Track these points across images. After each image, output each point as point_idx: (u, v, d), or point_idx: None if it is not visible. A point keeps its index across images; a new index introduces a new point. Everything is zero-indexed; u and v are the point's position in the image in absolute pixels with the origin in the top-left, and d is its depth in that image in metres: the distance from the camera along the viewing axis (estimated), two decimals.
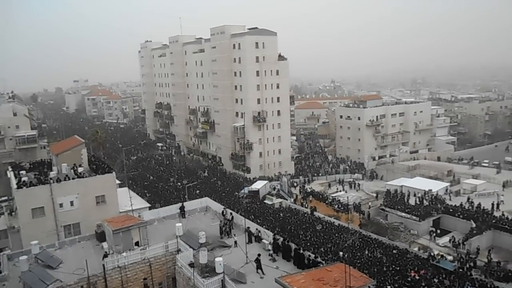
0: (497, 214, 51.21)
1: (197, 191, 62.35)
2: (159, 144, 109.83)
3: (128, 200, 41.91)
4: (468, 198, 58.06)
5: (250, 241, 32.06)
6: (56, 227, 37.23)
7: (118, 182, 47.41)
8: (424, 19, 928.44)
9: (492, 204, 54.58)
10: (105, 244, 31.50)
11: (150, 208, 44.88)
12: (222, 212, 38.45)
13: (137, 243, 31.05)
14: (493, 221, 48.58)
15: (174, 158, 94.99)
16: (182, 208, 39.50)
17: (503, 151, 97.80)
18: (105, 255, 28.98)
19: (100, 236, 33.03)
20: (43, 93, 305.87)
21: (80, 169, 42.23)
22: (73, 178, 39.30)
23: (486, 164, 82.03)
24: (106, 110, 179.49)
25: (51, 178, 38.55)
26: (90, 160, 46.69)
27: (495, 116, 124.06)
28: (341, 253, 38.70)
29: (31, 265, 28.27)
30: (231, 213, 36.00)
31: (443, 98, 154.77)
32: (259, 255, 28.12)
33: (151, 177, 74.61)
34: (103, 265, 27.68)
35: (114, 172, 42.15)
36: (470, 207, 53.83)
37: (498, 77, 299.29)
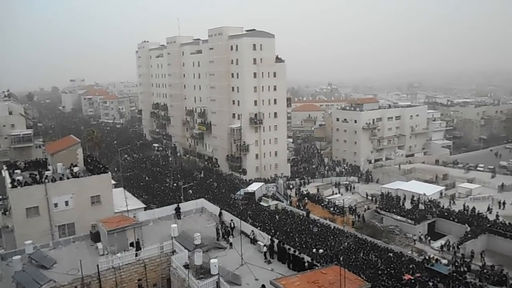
0: (491, 218, 51.38)
1: (190, 191, 62.20)
2: (155, 145, 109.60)
3: (123, 201, 41.83)
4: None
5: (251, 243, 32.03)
6: (50, 227, 37.01)
7: (113, 182, 47.24)
8: (421, 24, 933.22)
9: (488, 208, 54.93)
10: (99, 245, 31.37)
11: (145, 209, 44.78)
12: (219, 214, 38.42)
13: (132, 244, 30.94)
14: (488, 225, 48.77)
15: (170, 159, 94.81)
16: (177, 209, 39.43)
17: (501, 155, 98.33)
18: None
19: (95, 237, 32.89)
20: (39, 92, 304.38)
21: (75, 169, 42.05)
22: (68, 178, 39.13)
23: (481, 168, 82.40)
24: (103, 110, 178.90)
25: (46, 178, 38.36)
26: (86, 160, 46.52)
27: (491, 120, 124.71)
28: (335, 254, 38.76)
29: (24, 265, 28.09)
30: (232, 220, 35.58)
31: (439, 102, 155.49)
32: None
33: (147, 178, 74.39)
34: (97, 265, 27.55)
35: (109, 172, 42.01)
36: (465, 211, 54.03)
37: (494, 82, 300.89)
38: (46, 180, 37.77)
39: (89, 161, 46.49)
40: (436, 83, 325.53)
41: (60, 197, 37.45)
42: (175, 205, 40.75)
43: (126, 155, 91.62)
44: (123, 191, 47.49)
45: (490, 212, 54.06)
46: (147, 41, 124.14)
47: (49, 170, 42.46)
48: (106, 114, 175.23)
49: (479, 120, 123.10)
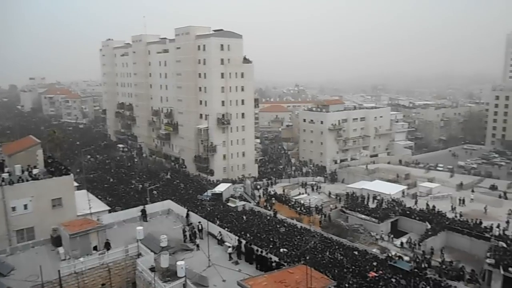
0: (450, 215, 53.59)
1: (154, 192, 61.24)
2: (120, 146, 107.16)
3: (86, 203, 40.57)
4: (416, 200, 61.04)
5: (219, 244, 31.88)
6: (7, 232, 35.36)
7: (76, 184, 45.75)
8: (382, 27, 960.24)
9: (452, 208, 57.19)
10: (61, 249, 30.34)
11: (110, 211, 43.63)
12: (186, 215, 38.04)
13: (95, 248, 30.11)
14: (447, 222, 50.79)
15: (136, 160, 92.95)
16: (143, 211, 38.72)
17: (457, 155, 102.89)
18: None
19: (56, 241, 31.79)
20: None
21: (35, 171, 40.36)
22: (27, 180, 37.56)
23: (441, 168, 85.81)
24: (65, 109, 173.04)
25: (3, 180, 36.66)
26: (46, 161, 44.78)
27: (449, 122, 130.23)
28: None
29: None
30: (199, 222, 35.23)
31: (401, 104, 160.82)
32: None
33: (112, 180, 72.57)
34: (59, 271, 26.60)
35: (71, 174, 40.65)
36: (425, 209, 56.06)
37: (452, 86, 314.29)
38: (3, 183, 36.08)
39: (50, 162, 44.80)
40: (399, 86, 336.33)
41: (18, 201, 35.83)
42: (140, 207, 39.99)
43: (89, 156, 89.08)
44: (86, 193, 46.06)
45: (454, 211, 56.20)
46: (112, 39, 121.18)
47: (6, 172, 40.58)
48: (68, 114, 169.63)
49: (438, 121, 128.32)
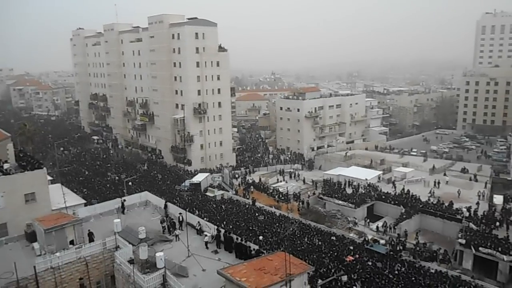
0: (430, 199, 55.17)
1: (130, 183, 60.59)
2: (95, 137, 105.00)
3: (61, 197, 39.73)
4: (394, 184, 63.19)
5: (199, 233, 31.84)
6: None
7: (49, 178, 44.69)
8: (358, 14, 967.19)
9: (431, 191, 58.68)
10: (36, 245, 29.71)
11: (85, 205, 42.90)
12: (165, 206, 37.82)
13: (72, 242, 29.62)
14: (421, 206, 52.30)
15: (111, 152, 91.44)
16: (122, 204, 38.27)
17: (429, 140, 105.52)
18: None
19: (31, 236, 31.09)
20: None
21: (6, 166, 39.13)
22: None
23: (415, 153, 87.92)
24: (35, 101, 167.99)
25: None
26: (18, 155, 43.49)
27: (422, 108, 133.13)
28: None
29: None
30: (180, 213, 34.89)
31: (376, 91, 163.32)
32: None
33: (87, 172, 71.25)
34: (34, 266, 26.08)
35: (44, 168, 39.63)
36: (400, 193, 57.52)
37: (425, 72, 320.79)
38: None
39: (22, 156, 43.54)
40: (373, 73, 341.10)
41: None
42: (117, 200, 39.50)
43: (62, 149, 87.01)
44: (61, 187, 45.07)
45: (432, 194, 57.69)
46: (83, 28, 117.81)
47: None
48: (39, 106, 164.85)
49: (412, 107, 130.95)
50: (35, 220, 30.72)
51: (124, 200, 38.97)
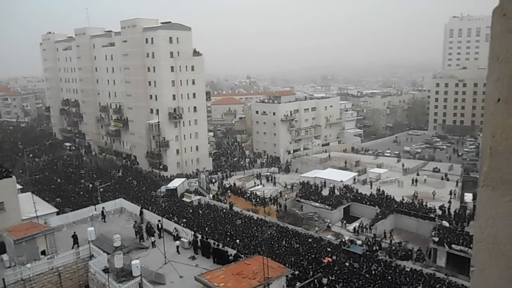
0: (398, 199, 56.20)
1: (101, 189, 59.37)
2: (67, 144, 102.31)
3: (32, 206, 38.48)
4: (371, 185, 63.87)
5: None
6: None
7: (19, 187, 43.28)
8: (333, 21, 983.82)
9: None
10: (5, 256, 28.69)
11: (58, 213, 41.74)
12: (140, 213, 37.21)
13: (43, 252, 28.74)
14: (395, 205, 53.30)
15: (85, 159, 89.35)
16: (102, 212, 37.38)
17: (403, 141, 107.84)
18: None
19: (0, 248, 29.98)
20: None
21: None
22: None
23: (388, 154, 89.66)
24: (4, 107, 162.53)
25: None
26: None
27: (395, 109, 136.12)
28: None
29: None
30: (159, 220, 34.32)
31: (350, 94, 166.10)
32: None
33: (59, 180, 69.33)
34: (3, 279, 25.14)
35: (13, 176, 38.36)
36: (375, 194, 58.44)
37: (397, 74, 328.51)
38: None
39: None
40: (347, 76, 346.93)
41: None
42: (91, 207, 38.62)
43: (33, 157, 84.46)
44: (31, 195, 43.71)
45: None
46: (53, 33, 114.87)
47: None
48: (8, 113, 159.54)
49: (385, 109, 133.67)
50: (4, 230, 29.72)
51: (104, 208, 38.09)
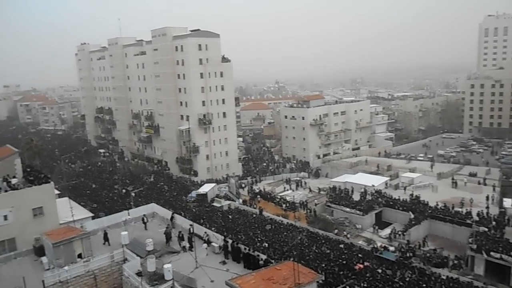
0: (432, 204, 54.53)
1: (133, 194, 60.64)
2: (101, 151, 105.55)
3: (69, 211, 39.86)
4: (405, 190, 62.45)
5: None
6: None
7: (57, 192, 44.89)
8: (359, 20, 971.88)
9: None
10: (44, 259, 29.78)
11: (93, 218, 43.03)
12: (171, 218, 37.76)
13: (80, 255, 29.65)
14: (429, 211, 51.77)
15: (118, 165, 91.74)
16: (143, 219, 37.83)
17: (433, 145, 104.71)
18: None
19: (39, 251, 31.19)
20: None
21: (13, 181, 39.44)
22: (6, 191, 36.63)
23: (421, 158, 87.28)
24: (42, 116, 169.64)
25: None
26: (25, 170, 43.81)
27: (428, 112, 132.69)
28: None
29: None
30: (191, 225, 34.68)
31: (380, 97, 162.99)
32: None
33: (94, 186, 71.50)
34: (43, 281, 26.10)
35: (52, 182, 39.86)
36: (408, 199, 56.95)
37: (429, 76, 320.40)
38: None
39: (29, 171, 43.82)
40: (377, 78, 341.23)
41: None
42: (125, 212, 39.51)
43: (70, 163, 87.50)
44: (68, 200, 45.26)
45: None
46: (87, 43, 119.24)
47: None
48: (46, 121, 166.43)
49: (417, 112, 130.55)
50: (43, 234, 30.84)
51: (145, 215, 38.66)
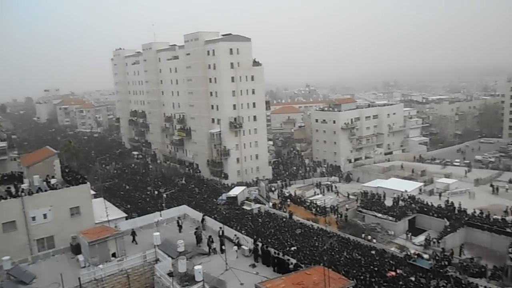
0: (469, 211, 52.58)
1: (164, 195, 61.64)
2: (135, 153, 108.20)
3: (103, 211, 41.10)
4: (440, 196, 60.65)
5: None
6: (28, 241, 36.03)
7: (93, 192, 46.43)
8: (394, 27, 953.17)
9: (507, 209, 53.25)
10: (80, 257, 30.79)
11: (126, 218, 44.14)
12: (202, 220, 38.19)
13: (114, 254, 30.47)
14: (466, 218, 49.93)
15: (151, 167, 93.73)
16: (178, 222, 38.48)
17: (469, 150, 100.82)
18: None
19: (76, 249, 32.27)
20: (12, 103, 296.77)
21: (53, 181, 41.12)
22: (45, 190, 38.20)
23: (458, 163, 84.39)
24: (79, 119, 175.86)
25: (22, 191, 37.40)
26: (63, 171, 45.53)
27: (464, 116, 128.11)
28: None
29: (2, 281, 27.36)
30: (221, 228, 35.07)
31: (414, 100, 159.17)
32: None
33: (127, 187, 73.35)
34: (79, 278, 26.99)
35: (88, 183, 41.26)
36: (444, 206, 55.15)
37: (466, 79, 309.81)
38: (23, 194, 36.81)
39: (67, 172, 45.54)
40: (411, 81, 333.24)
41: (38, 210, 36.50)
42: (157, 213, 40.31)
43: (105, 165, 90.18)
44: (103, 201, 46.68)
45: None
46: (123, 49, 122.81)
47: (25, 183, 41.42)
48: (83, 124, 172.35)
49: (453, 116, 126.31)
50: (80, 233, 31.92)
51: (179, 218, 39.34)
